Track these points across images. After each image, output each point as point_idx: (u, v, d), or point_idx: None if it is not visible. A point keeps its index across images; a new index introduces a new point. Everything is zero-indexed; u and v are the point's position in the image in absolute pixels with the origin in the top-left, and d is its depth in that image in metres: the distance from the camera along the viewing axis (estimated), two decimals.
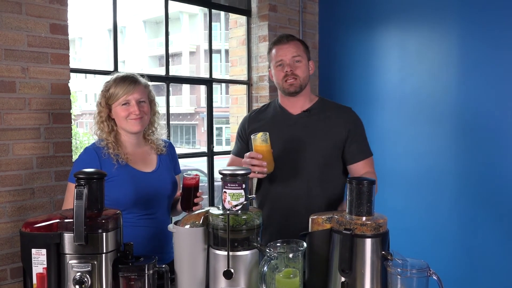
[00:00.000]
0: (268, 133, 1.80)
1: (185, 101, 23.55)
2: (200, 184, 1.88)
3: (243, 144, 2.13)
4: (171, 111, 3.22)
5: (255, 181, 2.16)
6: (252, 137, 1.81)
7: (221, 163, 3.92)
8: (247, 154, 1.81)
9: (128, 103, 1.83)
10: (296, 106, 2.04)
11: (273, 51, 2.02)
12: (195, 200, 1.84)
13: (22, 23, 2.33)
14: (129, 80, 1.85)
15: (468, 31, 3.09)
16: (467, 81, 3.08)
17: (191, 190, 1.84)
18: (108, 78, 1.90)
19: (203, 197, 1.90)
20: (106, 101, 1.84)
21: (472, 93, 3.06)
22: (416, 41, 3.36)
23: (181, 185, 1.88)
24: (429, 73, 3.27)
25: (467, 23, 3.09)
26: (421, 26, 3.33)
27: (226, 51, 19.25)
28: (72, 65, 2.51)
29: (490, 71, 2.98)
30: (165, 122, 3.07)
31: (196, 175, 1.86)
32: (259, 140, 1.77)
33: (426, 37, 3.30)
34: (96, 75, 3.24)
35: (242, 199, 1.40)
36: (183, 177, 1.85)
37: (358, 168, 1.98)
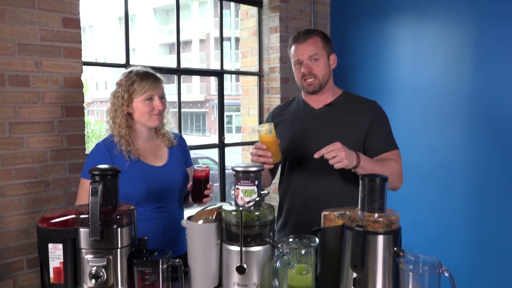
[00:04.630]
0: (272, 124, 1.80)
1: (195, 89, 23.59)
2: (211, 173, 1.90)
3: None
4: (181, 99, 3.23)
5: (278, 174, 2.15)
6: (257, 128, 1.81)
7: (233, 151, 3.93)
8: (254, 146, 1.82)
9: (151, 98, 1.85)
10: (319, 100, 2.01)
11: (292, 48, 1.98)
12: (205, 192, 1.86)
13: (35, 17, 2.34)
14: (153, 76, 1.88)
15: (483, 22, 3.04)
16: (482, 73, 3.04)
17: (201, 182, 1.85)
18: (123, 71, 1.91)
19: (214, 188, 1.91)
20: (130, 95, 1.85)
21: (487, 86, 3.02)
22: (429, 32, 3.32)
23: (192, 177, 1.89)
24: (443, 65, 3.23)
25: (482, 13, 3.04)
26: (435, 17, 3.28)
27: (236, 39, 19.21)
28: (83, 53, 2.52)
29: (506, 63, 2.93)
30: (176, 110, 3.09)
31: (206, 167, 1.87)
32: (264, 131, 1.77)
33: (440, 28, 3.26)
34: (105, 66, 3.26)
35: (254, 196, 1.41)
36: (194, 169, 1.87)
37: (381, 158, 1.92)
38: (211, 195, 1.88)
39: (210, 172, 1.89)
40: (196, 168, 1.86)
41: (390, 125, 2.00)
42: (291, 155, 2.01)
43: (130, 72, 1.89)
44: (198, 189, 1.86)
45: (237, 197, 1.42)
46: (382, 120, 1.98)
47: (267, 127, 1.77)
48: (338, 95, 2.04)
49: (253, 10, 3.73)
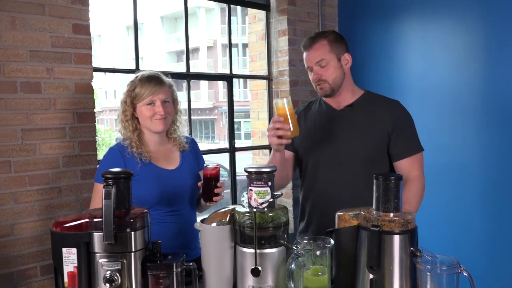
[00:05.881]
0: (290, 96, 1.77)
1: (204, 96, 23.66)
2: (221, 177, 1.88)
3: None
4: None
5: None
6: (274, 101, 1.76)
7: (243, 157, 3.92)
8: (271, 120, 1.76)
9: (153, 103, 1.85)
10: (338, 101, 2.00)
11: (304, 55, 1.97)
12: (216, 191, 1.84)
13: (45, 24, 2.36)
14: (155, 81, 1.86)
15: (493, 20, 3.01)
16: (493, 72, 3.01)
17: (211, 180, 1.84)
18: (132, 77, 1.91)
19: (224, 190, 1.90)
20: (132, 100, 1.86)
21: (499, 84, 2.99)
22: (439, 31, 3.30)
23: (202, 176, 1.88)
24: (454, 64, 3.20)
25: (491, 11, 3.01)
26: (444, 16, 3.26)
27: (244, 45, 19.29)
28: (92, 62, 2.54)
29: None
30: (186, 117, 3.10)
31: (217, 165, 1.85)
32: (281, 103, 1.72)
33: (449, 26, 3.23)
34: (116, 72, 3.28)
35: (268, 197, 1.40)
36: (204, 168, 1.86)
37: (404, 167, 1.90)
38: (222, 194, 1.87)
39: (221, 179, 1.88)
40: (206, 166, 1.85)
41: (414, 125, 1.97)
42: (314, 156, 1.99)
43: (136, 77, 1.90)
44: (209, 187, 1.84)
45: (251, 199, 1.41)
46: (406, 121, 1.95)
47: (285, 99, 1.73)
48: (360, 95, 2.02)
49: (261, 13, 3.73)
